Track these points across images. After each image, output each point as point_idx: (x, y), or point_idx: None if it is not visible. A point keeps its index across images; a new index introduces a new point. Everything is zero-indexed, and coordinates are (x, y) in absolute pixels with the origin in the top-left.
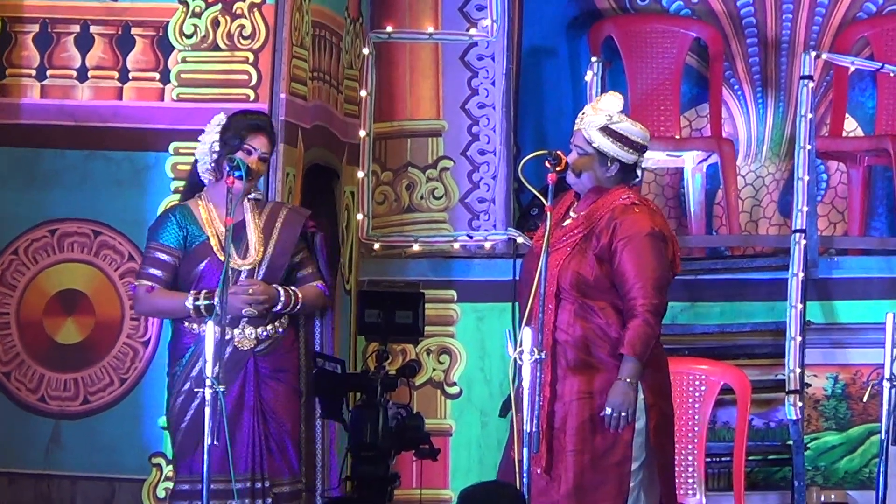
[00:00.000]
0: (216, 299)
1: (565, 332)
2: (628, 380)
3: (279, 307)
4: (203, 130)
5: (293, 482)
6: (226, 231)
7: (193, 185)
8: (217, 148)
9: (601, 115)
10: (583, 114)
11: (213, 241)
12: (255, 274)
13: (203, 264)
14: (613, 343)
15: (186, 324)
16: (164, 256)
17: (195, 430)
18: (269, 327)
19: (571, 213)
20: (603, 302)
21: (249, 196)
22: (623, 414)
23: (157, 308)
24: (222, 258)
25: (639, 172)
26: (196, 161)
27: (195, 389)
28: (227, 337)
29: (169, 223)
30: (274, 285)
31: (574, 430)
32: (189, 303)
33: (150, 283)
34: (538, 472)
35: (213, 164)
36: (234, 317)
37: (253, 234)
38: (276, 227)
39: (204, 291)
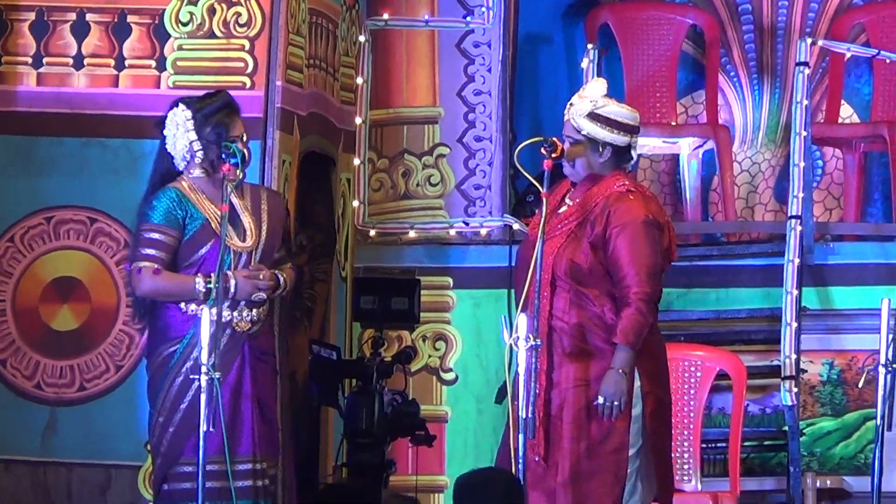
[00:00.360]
0: (231, 282)
1: (561, 320)
2: (620, 369)
3: (279, 291)
4: (165, 126)
5: (276, 464)
6: (222, 218)
7: (166, 176)
8: (200, 146)
9: (586, 101)
10: (570, 104)
11: (214, 225)
12: (253, 256)
13: (207, 247)
14: (609, 330)
15: (183, 305)
16: (163, 237)
17: (197, 412)
18: (260, 310)
19: (567, 201)
20: (597, 290)
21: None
22: (616, 403)
23: (162, 290)
24: (226, 241)
25: (633, 154)
26: (166, 153)
27: (196, 371)
28: (228, 319)
29: (168, 202)
30: (273, 271)
31: (571, 417)
32: (200, 286)
33: (154, 265)
34: (536, 459)
35: (201, 160)
36: (236, 300)
37: (245, 217)
38: (264, 210)
39: (213, 275)
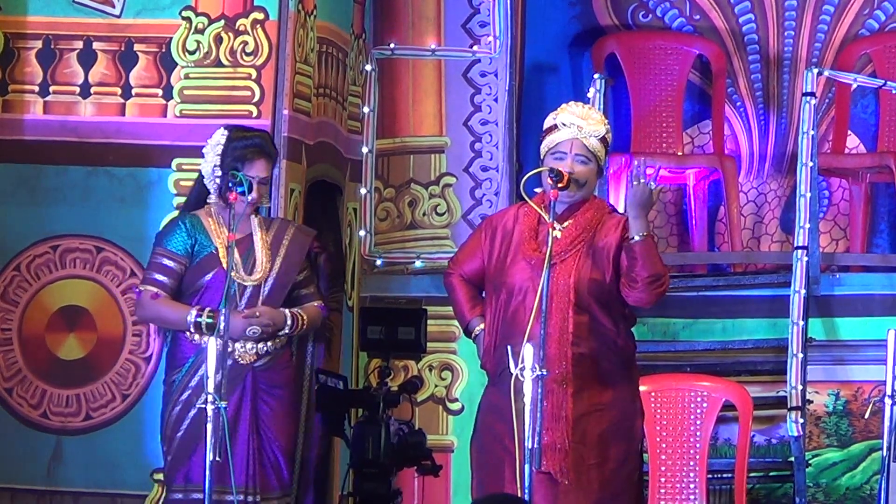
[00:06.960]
0: (220, 319)
1: (577, 346)
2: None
3: (286, 331)
4: (205, 145)
5: (282, 496)
6: (228, 247)
7: (199, 198)
8: (219, 172)
9: (600, 125)
10: (575, 125)
11: (222, 253)
12: (261, 290)
13: (210, 275)
14: (621, 353)
15: (188, 333)
16: (170, 263)
17: (191, 440)
18: (269, 343)
19: (557, 225)
20: (612, 313)
21: (259, 213)
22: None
23: (158, 316)
24: (231, 273)
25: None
26: (201, 176)
27: (193, 400)
28: (230, 350)
29: (178, 230)
30: (282, 309)
31: (593, 443)
32: (191, 318)
33: (155, 290)
34: (565, 482)
35: (217, 186)
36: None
37: (260, 250)
38: (284, 245)
39: (207, 309)
